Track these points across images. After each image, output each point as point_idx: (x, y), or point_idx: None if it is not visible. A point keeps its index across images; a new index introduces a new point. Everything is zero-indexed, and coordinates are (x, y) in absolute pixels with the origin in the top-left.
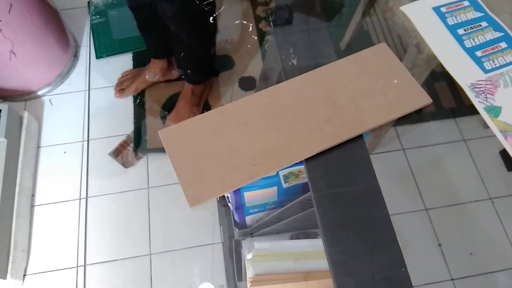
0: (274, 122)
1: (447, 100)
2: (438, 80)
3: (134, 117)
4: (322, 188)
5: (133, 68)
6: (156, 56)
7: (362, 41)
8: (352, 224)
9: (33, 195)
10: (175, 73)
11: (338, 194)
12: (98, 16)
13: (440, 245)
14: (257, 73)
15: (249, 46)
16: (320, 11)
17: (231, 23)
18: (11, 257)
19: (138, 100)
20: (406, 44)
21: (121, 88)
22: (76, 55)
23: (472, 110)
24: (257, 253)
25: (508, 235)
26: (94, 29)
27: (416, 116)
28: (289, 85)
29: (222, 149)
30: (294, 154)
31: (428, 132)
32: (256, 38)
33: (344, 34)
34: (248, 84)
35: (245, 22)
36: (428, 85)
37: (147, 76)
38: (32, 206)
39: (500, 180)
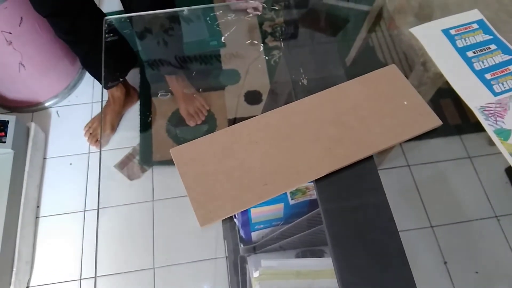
0: (284, 142)
1: (453, 117)
2: (444, 97)
3: (140, 130)
4: (333, 210)
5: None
6: (110, 84)
7: (367, 57)
8: (362, 244)
9: (38, 206)
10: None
11: (349, 216)
12: (111, 34)
13: (445, 262)
14: (263, 87)
15: (254, 60)
16: (326, 27)
17: (238, 38)
18: (14, 269)
19: (144, 113)
20: (412, 61)
21: (96, 138)
22: (83, 68)
23: (477, 127)
24: (263, 272)
25: None
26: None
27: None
28: (299, 105)
29: (232, 169)
30: (304, 175)
31: (433, 148)
32: (262, 52)
33: (350, 50)
34: (253, 98)
35: (256, 42)
36: (434, 102)
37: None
38: (37, 217)
39: (506, 198)
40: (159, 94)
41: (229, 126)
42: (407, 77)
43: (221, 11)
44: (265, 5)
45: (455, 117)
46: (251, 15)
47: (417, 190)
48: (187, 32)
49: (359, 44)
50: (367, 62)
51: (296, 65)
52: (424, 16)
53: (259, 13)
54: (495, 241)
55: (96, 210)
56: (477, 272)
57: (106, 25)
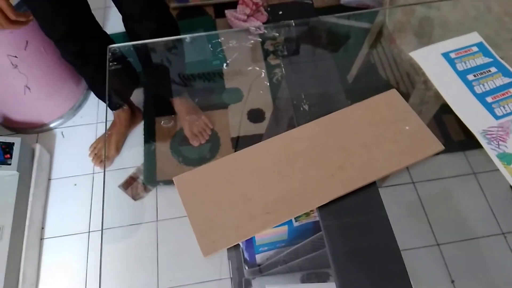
0: (286, 169)
1: (456, 133)
2: (446, 112)
3: (144, 149)
4: (335, 236)
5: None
6: (116, 106)
7: (369, 74)
8: (365, 269)
9: (42, 228)
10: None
11: (352, 242)
12: (115, 63)
13: (453, 281)
14: (266, 105)
15: (257, 78)
16: (327, 44)
17: (240, 57)
18: None
19: (148, 133)
20: (414, 79)
21: (101, 159)
22: (88, 89)
23: (481, 143)
24: None
25: None
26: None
27: None
28: (301, 131)
29: (235, 197)
30: (307, 202)
31: (437, 165)
32: (264, 71)
33: (352, 67)
34: (256, 117)
35: (257, 68)
36: (436, 118)
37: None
38: (42, 239)
39: (511, 214)
40: (162, 122)
41: (232, 144)
42: (409, 95)
43: (224, 34)
44: (266, 25)
45: (458, 133)
46: (253, 35)
47: (422, 207)
48: (190, 51)
49: (360, 61)
50: (368, 79)
51: (297, 90)
52: (424, 34)
53: (261, 32)
54: (502, 259)
55: (99, 231)
56: None
57: (110, 54)
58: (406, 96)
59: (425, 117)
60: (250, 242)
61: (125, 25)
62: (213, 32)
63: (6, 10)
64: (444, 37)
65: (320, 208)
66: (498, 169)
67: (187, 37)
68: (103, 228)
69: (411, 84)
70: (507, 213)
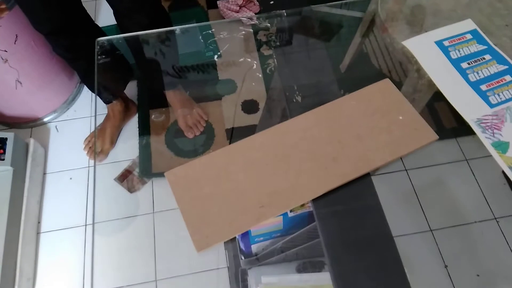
0: (280, 162)
1: (448, 120)
2: (439, 100)
3: (139, 142)
4: (330, 227)
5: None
6: (109, 99)
7: (362, 64)
8: (360, 259)
9: (39, 222)
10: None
11: (346, 233)
12: (103, 56)
13: (446, 266)
14: (259, 96)
15: (250, 69)
16: (320, 34)
17: (234, 48)
18: (16, 286)
19: (142, 126)
20: (406, 68)
21: (96, 151)
22: (81, 82)
23: (473, 130)
24: None
25: None
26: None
27: None
28: (294, 123)
29: (228, 191)
30: (301, 195)
31: (430, 152)
32: (258, 61)
33: (344, 57)
34: (250, 108)
35: (250, 59)
36: (429, 105)
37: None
38: (38, 233)
39: (504, 199)
40: (153, 116)
41: (226, 135)
42: (402, 83)
43: (216, 25)
44: (258, 15)
45: (450, 120)
46: (245, 26)
47: (415, 194)
48: (182, 43)
49: (353, 51)
50: (361, 68)
51: (290, 81)
52: (416, 22)
53: (254, 23)
54: (495, 243)
55: (99, 224)
56: (478, 275)
57: (98, 47)
58: (399, 85)
59: (418, 105)
60: (245, 232)
61: (116, 20)
62: (205, 23)
63: None
64: (437, 25)
65: (314, 200)
66: (490, 155)
67: (177, 28)
68: (99, 221)
69: (404, 72)
70: (500, 198)
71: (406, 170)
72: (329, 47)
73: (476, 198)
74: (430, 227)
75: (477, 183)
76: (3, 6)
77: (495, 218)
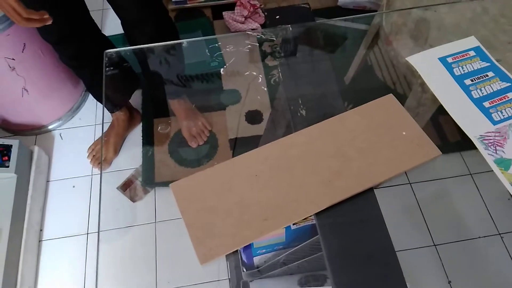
0: (284, 175)
1: (452, 134)
2: (443, 114)
3: (142, 151)
4: (333, 242)
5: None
6: (114, 108)
7: (366, 76)
8: (362, 275)
9: (41, 230)
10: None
11: (349, 248)
12: (111, 68)
13: (449, 282)
14: (263, 106)
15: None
16: (324, 46)
17: (238, 59)
18: None
19: (146, 134)
20: (410, 81)
21: (99, 161)
22: (86, 90)
23: (478, 149)
24: None
25: None
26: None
27: None
28: (298, 137)
29: (232, 204)
30: (304, 209)
31: (434, 166)
32: (262, 72)
33: (349, 69)
34: (254, 118)
35: (255, 70)
36: (433, 119)
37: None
38: (40, 241)
39: (508, 214)
40: (159, 128)
41: (230, 145)
42: (406, 97)
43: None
44: (264, 30)
45: (454, 134)
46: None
47: (419, 208)
48: (188, 53)
49: (357, 63)
50: (365, 80)
51: (294, 94)
52: (420, 36)
53: (259, 34)
54: (499, 259)
55: (100, 233)
56: None
57: (107, 59)
58: (403, 98)
59: (422, 119)
60: (248, 244)
61: (124, 30)
62: (211, 37)
63: (16, 7)
64: (441, 39)
65: (318, 214)
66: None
67: (184, 41)
68: (101, 230)
69: (408, 85)
70: (504, 214)
71: (410, 183)
72: (334, 59)
73: (480, 213)
74: (433, 242)
75: (481, 197)
76: None
77: (499, 234)
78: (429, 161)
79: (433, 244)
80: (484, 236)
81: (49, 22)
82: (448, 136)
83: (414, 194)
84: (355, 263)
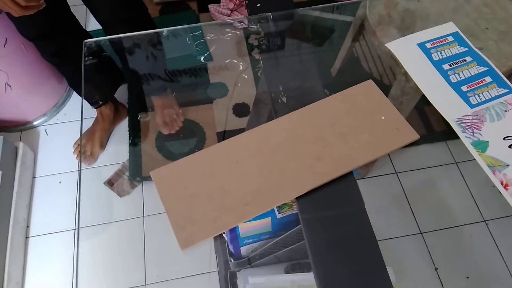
0: (264, 161)
1: (438, 123)
2: (429, 103)
3: (129, 146)
4: (314, 225)
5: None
6: (97, 104)
7: (352, 68)
8: (343, 257)
9: (27, 226)
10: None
11: (329, 231)
12: (90, 58)
13: (436, 269)
14: (251, 99)
15: (242, 73)
16: (311, 38)
17: (225, 52)
18: None
19: (132, 129)
20: (394, 71)
21: (85, 155)
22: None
23: (456, 132)
24: None
25: (504, 257)
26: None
27: None
28: (279, 123)
29: (213, 190)
30: (284, 193)
31: (420, 155)
32: (249, 65)
33: (335, 61)
34: (242, 111)
35: (242, 62)
36: (419, 109)
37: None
38: (27, 237)
39: (493, 202)
40: (139, 117)
41: (217, 139)
42: (390, 86)
43: (207, 28)
44: (249, 17)
45: (440, 124)
46: (237, 28)
47: (405, 197)
48: (172, 47)
49: (343, 55)
50: (352, 72)
51: (276, 83)
52: (404, 26)
53: (245, 26)
54: (484, 246)
55: (88, 228)
56: (468, 277)
57: (86, 48)
58: (389, 89)
59: (406, 107)
60: (234, 234)
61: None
62: (195, 25)
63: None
64: (424, 29)
65: (299, 199)
66: None
67: (164, 30)
68: (89, 225)
69: (394, 76)
70: (489, 201)
71: (396, 173)
72: (319, 51)
73: (466, 201)
74: (420, 230)
75: (467, 185)
76: None
77: (485, 221)
78: (407, 145)
79: (419, 232)
80: (470, 224)
81: (44, 6)
82: (434, 126)
83: (401, 183)
84: (336, 248)
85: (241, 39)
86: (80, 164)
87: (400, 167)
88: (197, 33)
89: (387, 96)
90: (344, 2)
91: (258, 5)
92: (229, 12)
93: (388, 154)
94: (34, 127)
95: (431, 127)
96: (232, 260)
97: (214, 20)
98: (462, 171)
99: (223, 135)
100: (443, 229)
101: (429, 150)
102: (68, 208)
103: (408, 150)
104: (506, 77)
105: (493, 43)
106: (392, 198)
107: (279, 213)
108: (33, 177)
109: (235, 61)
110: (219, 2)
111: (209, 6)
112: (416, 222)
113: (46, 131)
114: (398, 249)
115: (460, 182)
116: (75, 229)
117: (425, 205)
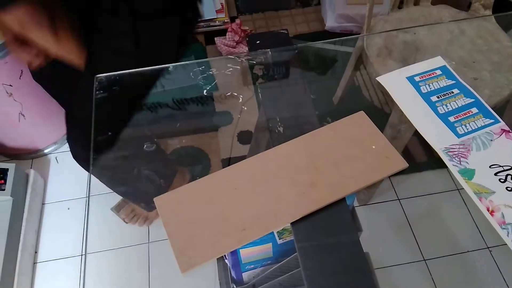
0: (262, 188)
1: None
2: None
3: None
4: (308, 250)
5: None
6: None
7: (353, 96)
8: (336, 283)
9: (36, 252)
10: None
11: (323, 255)
12: (101, 91)
13: None
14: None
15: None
16: (313, 68)
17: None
18: None
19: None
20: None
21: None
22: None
23: (444, 160)
24: None
25: (508, 284)
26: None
27: (410, 166)
28: (276, 152)
29: (213, 215)
30: (280, 219)
31: (422, 181)
32: (253, 94)
33: (336, 90)
34: (247, 138)
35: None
36: (419, 137)
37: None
38: (35, 263)
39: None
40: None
41: (222, 165)
42: (389, 115)
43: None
44: (253, 52)
45: None
46: (241, 61)
47: (408, 223)
48: (181, 77)
49: (344, 84)
50: (353, 100)
51: (273, 113)
52: (401, 58)
53: (250, 57)
54: (488, 273)
55: (94, 254)
56: None
57: (97, 83)
58: (389, 116)
59: (405, 135)
60: (236, 260)
61: None
62: (203, 60)
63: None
64: (420, 61)
65: (294, 226)
66: None
67: (170, 66)
68: (96, 251)
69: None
70: (492, 227)
71: (399, 199)
72: (321, 80)
73: (469, 227)
74: (423, 257)
75: (469, 212)
76: None
77: (488, 248)
78: (397, 171)
79: (423, 259)
80: (473, 250)
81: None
82: (434, 153)
83: (403, 210)
84: (329, 274)
85: (246, 69)
86: (89, 191)
87: (402, 194)
88: (208, 66)
89: (386, 124)
90: (342, 38)
91: (258, 42)
92: (235, 44)
93: (390, 180)
94: (45, 154)
95: (432, 154)
96: (234, 286)
97: (220, 52)
98: (464, 198)
99: (228, 162)
100: (446, 256)
101: (431, 177)
102: (76, 234)
103: (410, 177)
104: (499, 107)
105: (487, 73)
106: (394, 225)
107: (279, 239)
108: (43, 203)
109: (240, 90)
110: (225, 35)
111: (216, 39)
112: (420, 249)
113: (56, 159)
114: (401, 276)
115: (463, 208)
116: (81, 254)
117: (428, 231)
